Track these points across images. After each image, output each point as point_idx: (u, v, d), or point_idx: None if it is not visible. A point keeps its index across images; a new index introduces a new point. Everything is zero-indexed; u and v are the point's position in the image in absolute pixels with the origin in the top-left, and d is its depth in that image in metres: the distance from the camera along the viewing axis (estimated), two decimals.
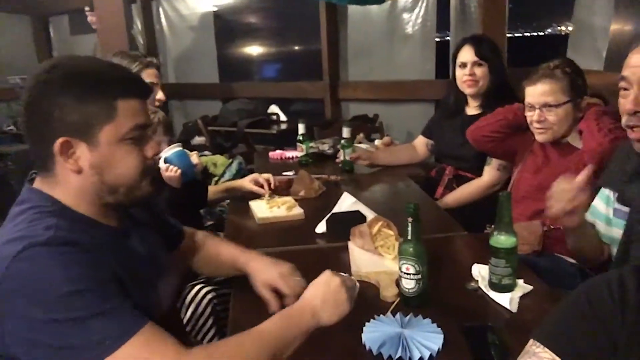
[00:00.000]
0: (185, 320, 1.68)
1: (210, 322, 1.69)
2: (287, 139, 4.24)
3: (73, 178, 0.99)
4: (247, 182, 2.07)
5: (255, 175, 2.07)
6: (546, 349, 0.66)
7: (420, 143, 2.77)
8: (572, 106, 1.79)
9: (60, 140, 0.95)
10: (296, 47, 5.73)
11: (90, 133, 0.96)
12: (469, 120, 2.39)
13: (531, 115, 1.83)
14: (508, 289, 1.29)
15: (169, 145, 1.94)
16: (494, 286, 1.31)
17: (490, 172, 2.31)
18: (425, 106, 4.25)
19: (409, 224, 1.26)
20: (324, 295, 1.06)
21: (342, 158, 2.60)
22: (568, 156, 1.83)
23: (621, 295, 0.66)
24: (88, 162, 0.98)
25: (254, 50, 5.86)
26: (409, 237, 1.26)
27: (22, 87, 4.91)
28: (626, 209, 1.38)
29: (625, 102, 1.28)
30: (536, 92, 1.80)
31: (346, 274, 1.14)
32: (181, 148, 1.96)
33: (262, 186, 2.11)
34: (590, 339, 0.65)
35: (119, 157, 1.00)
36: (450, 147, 2.51)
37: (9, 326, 0.85)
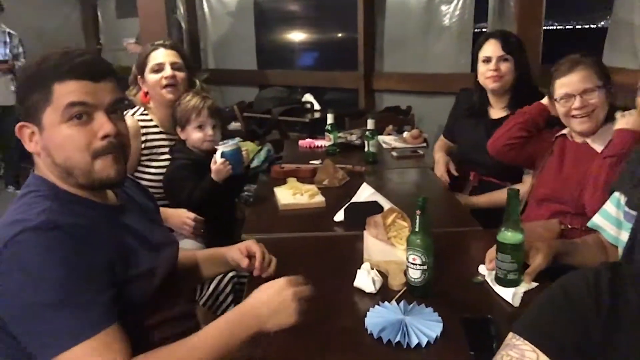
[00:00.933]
0: (206, 296, 1.79)
1: (229, 299, 1.79)
2: (320, 128, 4.28)
3: (39, 161, 1.09)
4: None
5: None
6: (525, 341, 0.69)
7: (446, 145, 2.69)
8: (606, 91, 1.80)
9: (19, 124, 1.07)
10: (333, 36, 5.77)
11: (36, 117, 1.04)
12: (494, 124, 2.33)
13: (570, 105, 1.81)
14: (513, 284, 1.33)
15: (213, 129, 2.06)
16: (500, 281, 1.34)
17: (529, 181, 2.22)
18: None
19: (417, 217, 1.30)
20: (273, 304, 1.06)
21: (366, 149, 2.63)
22: (587, 159, 1.81)
23: (596, 289, 0.70)
24: (40, 145, 1.07)
25: (291, 38, 5.93)
26: (417, 229, 1.30)
27: None
28: (634, 213, 1.39)
29: None
30: (574, 81, 1.80)
31: (303, 286, 1.12)
32: (238, 145, 2.04)
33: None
34: (567, 331, 0.68)
35: (62, 138, 1.04)
36: (475, 151, 2.40)
37: (2, 304, 0.95)
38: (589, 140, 1.84)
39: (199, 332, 1.04)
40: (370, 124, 2.61)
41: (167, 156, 2.09)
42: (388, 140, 3.06)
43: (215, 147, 2.01)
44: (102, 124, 1.06)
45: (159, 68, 2.07)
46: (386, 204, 1.80)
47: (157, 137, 2.10)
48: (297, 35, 5.91)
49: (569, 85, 1.81)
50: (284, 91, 4.82)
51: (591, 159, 1.78)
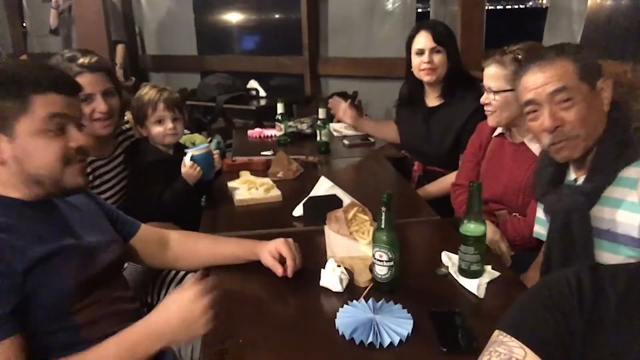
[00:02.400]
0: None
1: None
2: (266, 115, 4.23)
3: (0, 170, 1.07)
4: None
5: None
6: (513, 338, 0.70)
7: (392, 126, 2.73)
8: (514, 96, 1.68)
9: None
10: (275, 20, 5.67)
11: (7, 126, 1.04)
12: (430, 112, 2.36)
13: (484, 98, 1.85)
14: (476, 275, 1.35)
15: (174, 122, 2.01)
16: (463, 272, 1.36)
17: None
18: None
19: (382, 213, 1.29)
20: (182, 319, 1.04)
21: (318, 139, 2.60)
22: (525, 161, 1.81)
23: (579, 289, 0.72)
24: (9, 154, 1.05)
25: (232, 21, 5.77)
26: (382, 226, 1.29)
27: None
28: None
29: (542, 122, 1.31)
30: (486, 74, 1.83)
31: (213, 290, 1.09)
32: (210, 149, 2.01)
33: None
34: (552, 328, 0.69)
35: (37, 148, 1.06)
36: (415, 142, 2.45)
37: None
38: (526, 140, 1.84)
39: (97, 346, 1.02)
40: (321, 113, 2.58)
41: (109, 184, 1.90)
42: (338, 128, 3.05)
43: (185, 150, 1.96)
44: (76, 136, 1.11)
45: (87, 99, 1.72)
46: (345, 198, 1.79)
47: (90, 168, 1.82)
48: (238, 18, 5.76)
49: (484, 76, 1.83)
50: (228, 78, 4.69)
51: (528, 160, 1.79)
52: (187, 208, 1.97)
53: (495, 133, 1.97)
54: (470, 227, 1.33)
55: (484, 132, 2.02)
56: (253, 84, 4.76)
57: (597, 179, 1.31)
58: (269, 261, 1.39)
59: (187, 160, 1.92)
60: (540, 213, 1.55)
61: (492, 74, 1.80)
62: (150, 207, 1.88)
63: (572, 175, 1.41)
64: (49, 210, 1.15)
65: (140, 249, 1.42)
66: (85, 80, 1.66)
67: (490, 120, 1.86)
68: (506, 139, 1.92)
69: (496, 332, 0.73)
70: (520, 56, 1.77)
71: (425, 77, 2.33)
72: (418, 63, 2.32)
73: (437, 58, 2.29)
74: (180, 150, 2.03)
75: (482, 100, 1.84)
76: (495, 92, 1.79)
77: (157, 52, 5.68)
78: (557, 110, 1.29)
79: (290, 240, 1.41)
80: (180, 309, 1.04)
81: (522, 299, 0.77)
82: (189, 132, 2.63)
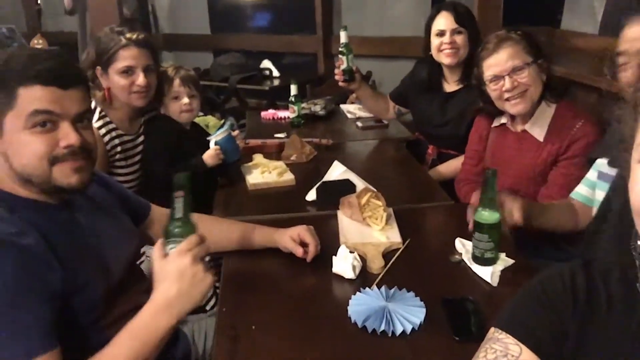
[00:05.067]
0: None
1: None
2: (280, 95, 4.21)
3: None
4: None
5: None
6: (508, 335, 0.70)
7: (390, 104, 2.69)
8: (538, 67, 1.71)
9: None
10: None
11: None
12: (448, 97, 2.30)
13: (500, 86, 1.72)
14: (490, 262, 1.34)
15: (191, 98, 2.06)
16: (477, 259, 1.36)
17: None
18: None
19: (177, 200, 1.06)
20: (182, 289, 1.01)
21: (344, 66, 2.45)
22: (529, 149, 1.78)
23: (572, 286, 0.72)
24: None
25: None
26: (177, 216, 1.07)
27: (8, 37, 4.78)
28: (611, 173, 1.40)
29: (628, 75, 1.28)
30: (501, 60, 1.70)
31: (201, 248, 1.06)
32: (229, 132, 2.03)
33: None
34: (546, 325, 0.70)
35: (23, 144, 0.99)
36: (431, 126, 2.40)
37: None
38: (527, 127, 1.79)
39: (111, 343, 0.98)
40: (343, 37, 2.43)
41: (134, 159, 1.96)
42: (352, 109, 3.02)
43: (208, 139, 2.00)
44: (67, 134, 1.02)
45: (129, 71, 1.83)
46: (359, 182, 1.79)
47: (119, 141, 1.91)
48: None
49: (497, 65, 1.71)
50: (241, 57, 4.67)
51: (533, 147, 1.75)
52: (200, 188, 1.98)
53: (495, 124, 1.91)
54: (485, 215, 1.32)
55: (482, 125, 1.98)
56: (266, 63, 4.73)
57: None
58: (289, 244, 1.39)
59: (211, 145, 1.97)
60: (590, 174, 1.53)
61: (509, 54, 1.70)
62: (160, 175, 1.88)
63: None
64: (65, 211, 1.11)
65: (154, 233, 1.42)
66: (130, 53, 1.82)
67: (519, 108, 1.73)
68: (508, 129, 1.86)
69: (492, 329, 0.74)
70: (519, 32, 1.75)
71: (446, 60, 2.25)
72: (438, 44, 2.25)
73: (459, 39, 2.22)
74: (196, 128, 2.06)
75: (509, 86, 1.70)
76: (527, 66, 1.69)
77: (169, 31, 5.66)
78: None
79: (311, 227, 1.42)
80: (175, 278, 1.01)
81: (517, 296, 0.78)
82: (202, 113, 2.63)
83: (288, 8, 5.25)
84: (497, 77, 1.72)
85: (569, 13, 3.20)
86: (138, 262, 1.34)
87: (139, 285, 1.23)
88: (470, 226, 1.38)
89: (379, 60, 4.53)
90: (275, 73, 4.70)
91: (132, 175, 1.94)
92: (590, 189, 1.54)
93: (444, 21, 2.24)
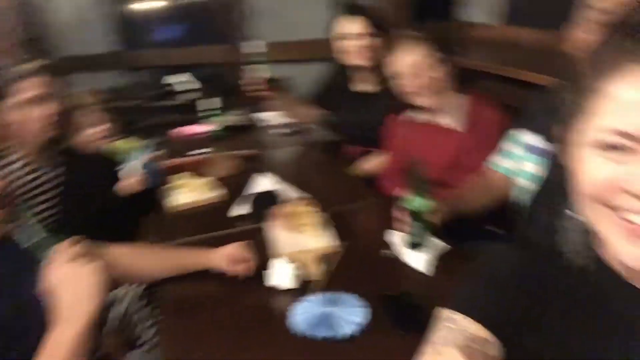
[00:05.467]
0: (116, 317, 1.68)
1: (144, 314, 1.69)
2: (197, 109, 4.12)
3: None
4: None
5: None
6: (463, 315, 0.71)
7: (311, 109, 2.62)
8: (441, 60, 1.79)
9: None
10: (194, 8, 5.48)
11: None
12: (365, 98, 2.34)
13: (409, 82, 1.80)
14: (425, 249, 1.39)
15: (103, 126, 1.99)
16: (412, 247, 1.40)
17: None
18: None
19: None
20: (60, 295, 0.97)
21: (262, 76, 2.48)
22: (441, 137, 1.84)
23: (520, 269, 0.74)
24: None
25: (148, 11, 5.53)
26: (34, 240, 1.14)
27: None
28: (544, 146, 1.47)
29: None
30: (405, 56, 1.80)
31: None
32: (150, 157, 1.97)
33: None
34: (496, 304, 0.71)
35: None
36: (352, 127, 2.41)
37: None
38: (441, 119, 1.86)
39: None
40: (258, 46, 2.50)
41: (50, 194, 1.83)
42: (273, 117, 3.00)
43: (124, 165, 1.93)
44: None
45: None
46: (289, 191, 1.79)
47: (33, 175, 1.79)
48: (156, 7, 5.52)
49: (401, 62, 1.80)
50: (153, 74, 4.54)
51: (451, 138, 1.82)
52: (121, 219, 1.90)
53: (409, 118, 1.97)
54: (415, 202, 1.36)
55: (397, 121, 2.04)
56: (180, 77, 4.63)
57: None
58: (224, 265, 1.38)
59: (133, 171, 1.88)
60: (508, 146, 1.60)
61: (410, 50, 1.79)
62: (80, 218, 1.79)
63: None
64: None
65: None
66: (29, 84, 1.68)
67: (427, 102, 1.83)
68: (423, 122, 1.93)
69: (445, 310, 0.74)
70: (417, 31, 1.84)
71: (358, 62, 2.31)
72: (345, 47, 2.31)
73: (369, 41, 2.27)
74: (104, 156, 1.97)
75: (409, 82, 1.80)
76: (422, 63, 1.78)
77: (71, 52, 5.38)
78: None
79: (246, 243, 1.42)
80: (61, 286, 0.97)
81: (466, 279, 0.79)
82: (116, 137, 2.53)
83: (198, 20, 5.15)
84: (401, 73, 1.81)
85: (470, 6, 3.36)
86: None
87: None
88: (401, 216, 1.41)
89: (295, 64, 4.55)
90: (191, 86, 4.60)
91: (52, 210, 1.82)
92: (514, 161, 1.60)
93: (352, 24, 2.29)
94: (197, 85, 4.59)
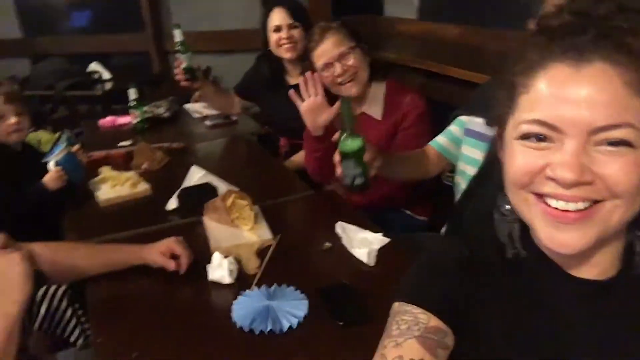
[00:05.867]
0: (40, 318, 1.59)
1: (68, 314, 1.62)
2: (114, 99, 3.94)
3: None
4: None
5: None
6: (414, 306, 0.72)
7: (236, 99, 2.65)
8: (361, 50, 1.88)
9: None
10: None
11: None
12: (295, 89, 2.38)
13: (332, 73, 1.85)
14: (362, 188, 1.39)
15: (18, 116, 1.86)
16: (349, 188, 1.40)
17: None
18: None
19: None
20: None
21: (184, 65, 2.36)
22: (368, 128, 1.86)
23: (459, 259, 0.77)
24: None
25: None
26: None
27: None
28: (489, 133, 1.50)
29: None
30: (327, 48, 1.85)
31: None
32: (69, 149, 1.86)
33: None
34: (444, 294, 0.74)
35: None
36: (282, 119, 2.42)
37: None
38: (364, 109, 1.93)
39: None
40: (177, 35, 2.34)
41: None
42: (198, 108, 2.94)
43: (45, 160, 1.80)
44: None
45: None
46: (220, 184, 1.76)
47: None
48: None
49: (325, 53, 1.86)
50: (65, 62, 4.27)
51: (372, 126, 1.87)
52: (42, 215, 1.80)
53: None
54: (348, 143, 1.36)
55: None
56: (95, 66, 4.38)
57: None
58: (159, 260, 1.33)
59: (51, 167, 1.78)
60: (453, 127, 1.64)
61: (334, 42, 1.84)
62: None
63: None
64: None
65: None
66: None
67: (354, 90, 1.87)
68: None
69: (396, 303, 0.76)
70: (337, 22, 1.90)
71: (287, 54, 2.32)
72: (277, 39, 2.31)
73: (296, 33, 2.29)
74: (29, 148, 1.86)
75: (339, 70, 1.84)
76: (352, 49, 1.84)
77: None
78: None
79: (180, 238, 1.38)
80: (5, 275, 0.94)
81: (412, 271, 0.81)
82: (32, 129, 2.37)
83: (110, 5, 4.90)
84: (328, 65, 1.85)
85: (390, 1, 3.45)
86: None
87: None
88: (336, 158, 1.40)
89: (216, 55, 4.46)
90: (106, 76, 4.38)
91: None
92: (451, 142, 1.65)
93: (279, 16, 2.30)
94: (108, 75, 4.37)
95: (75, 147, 1.94)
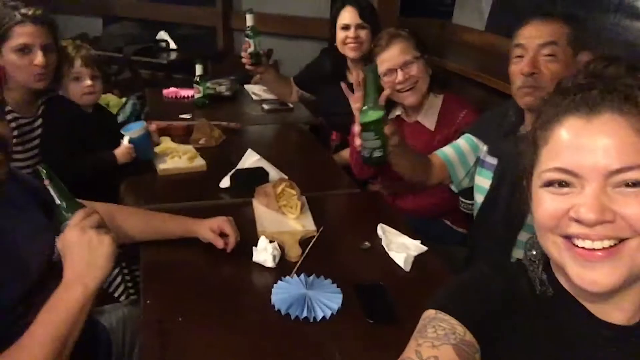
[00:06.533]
0: None
1: (115, 271, 1.73)
2: (177, 69, 4.08)
3: None
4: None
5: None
6: (451, 317, 0.77)
7: (294, 88, 2.72)
8: (425, 61, 1.93)
9: None
10: None
11: None
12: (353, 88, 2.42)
13: (393, 79, 1.89)
14: (380, 161, 1.41)
15: (93, 80, 1.97)
16: (367, 160, 1.42)
17: None
18: (321, 45, 4.26)
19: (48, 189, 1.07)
20: (79, 257, 1.01)
21: (251, 49, 2.44)
22: (420, 137, 1.93)
23: (504, 292, 0.81)
24: None
25: None
26: (57, 203, 1.07)
27: None
28: (494, 162, 1.55)
29: (522, 66, 1.41)
30: (393, 55, 1.89)
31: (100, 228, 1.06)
32: (147, 129, 1.95)
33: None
34: (482, 315, 0.78)
35: None
36: (336, 115, 2.41)
37: None
38: (419, 118, 1.97)
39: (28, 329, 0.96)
40: (249, 19, 2.41)
41: (31, 144, 1.83)
42: (257, 91, 3.03)
43: (122, 131, 1.91)
44: None
45: (26, 49, 1.71)
46: (272, 171, 1.84)
47: (15, 124, 1.77)
48: None
49: (389, 60, 1.90)
50: (135, 27, 4.44)
51: (425, 137, 1.92)
52: (104, 179, 1.92)
53: (391, 116, 2.02)
54: (369, 113, 1.38)
55: None
56: (163, 35, 4.53)
57: None
58: (209, 236, 1.41)
59: (125, 142, 1.89)
60: (462, 142, 1.67)
61: (401, 49, 1.89)
62: (60, 167, 1.80)
63: (528, 128, 1.47)
64: None
65: None
66: (26, 30, 1.69)
67: (413, 99, 1.92)
68: (403, 120, 2.03)
69: (432, 310, 0.80)
70: (407, 30, 1.94)
71: (351, 53, 2.37)
72: (344, 37, 2.36)
73: (363, 33, 2.34)
74: (100, 111, 1.97)
75: (401, 78, 1.88)
76: (416, 59, 1.88)
77: None
78: (539, 60, 1.39)
79: (231, 218, 1.45)
80: (73, 251, 1.01)
81: (452, 284, 0.86)
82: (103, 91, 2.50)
83: None
84: (391, 71, 1.90)
85: (459, 8, 3.43)
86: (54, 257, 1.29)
87: (58, 281, 1.20)
88: (356, 129, 1.42)
89: (280, 38, 4.53)
90: (173, 45, 4.52)
91: (30, 161, 1.81)
92: (457, 154, 1.67)
93: (349, 15, 2.35)
94: (174, 45, 4.48)
95: (153, 127, 2.04)
